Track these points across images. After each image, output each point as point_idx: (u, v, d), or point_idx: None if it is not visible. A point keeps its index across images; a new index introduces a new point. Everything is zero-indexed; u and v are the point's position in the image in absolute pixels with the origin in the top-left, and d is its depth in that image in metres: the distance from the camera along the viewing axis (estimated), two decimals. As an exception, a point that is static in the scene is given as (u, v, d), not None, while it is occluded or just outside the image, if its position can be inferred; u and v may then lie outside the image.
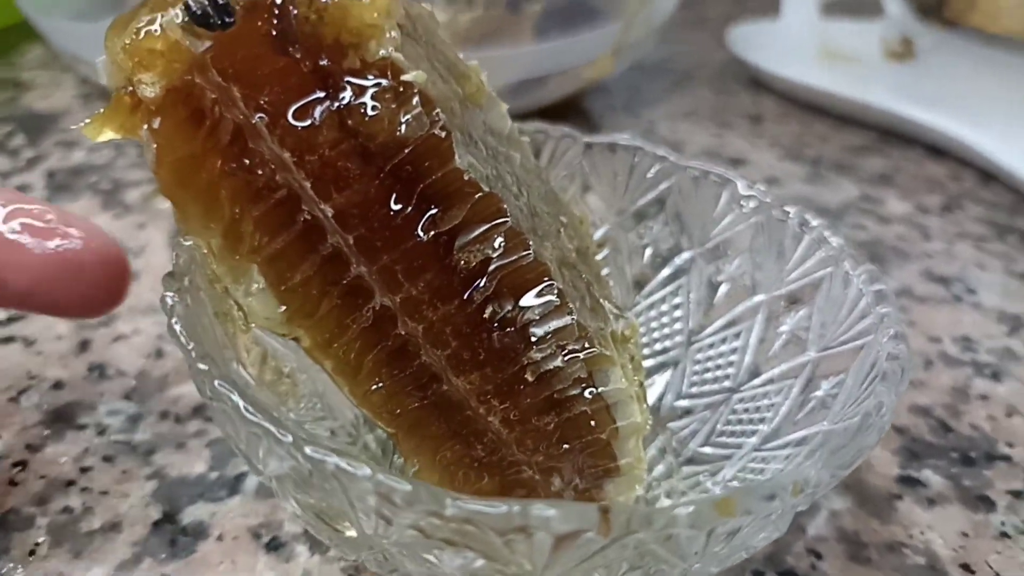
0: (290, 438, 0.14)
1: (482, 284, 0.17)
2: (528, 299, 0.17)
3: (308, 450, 0.14)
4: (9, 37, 0.52)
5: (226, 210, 0.17)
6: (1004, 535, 0.23)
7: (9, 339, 0.27)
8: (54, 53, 0.50)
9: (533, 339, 0.18)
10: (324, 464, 0.14)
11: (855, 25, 0.64)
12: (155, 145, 0.17)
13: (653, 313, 0.25)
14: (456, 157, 0.17)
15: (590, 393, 0.18)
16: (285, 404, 0.20)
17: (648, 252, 0.25)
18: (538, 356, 0.18)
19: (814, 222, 0.22)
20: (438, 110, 0.17)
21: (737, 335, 0.24)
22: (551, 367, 0.18)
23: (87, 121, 0.17)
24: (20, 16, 0.50)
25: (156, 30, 0.16)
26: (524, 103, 0.43)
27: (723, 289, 0.24)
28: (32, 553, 0.20)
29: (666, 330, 0.25)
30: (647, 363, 0.25)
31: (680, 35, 0.62)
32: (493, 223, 0.17)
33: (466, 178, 0.17)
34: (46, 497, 0.21)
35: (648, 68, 0.56)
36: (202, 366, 0.15)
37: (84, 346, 0.27)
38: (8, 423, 0.23)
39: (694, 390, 0.24)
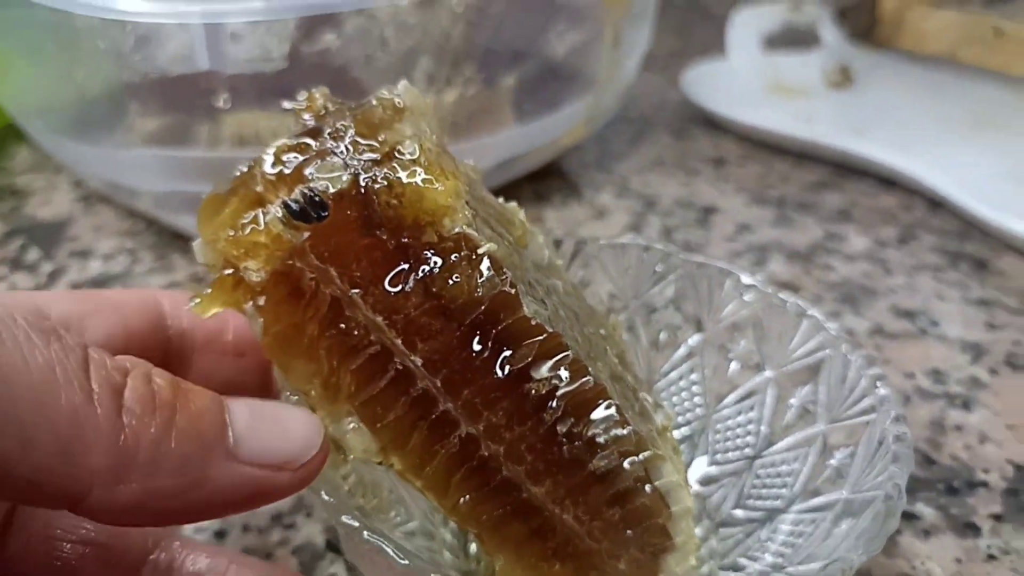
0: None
1: (552, 406, 0.20)
2: (593, 416, 0.20)
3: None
4: (-2, 141, 0.53)
5: (324, 365, 0.20)
6: (991, 557, 0.26)
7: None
8: (45, 155, 0.51)
9: (597, 449, 0.21)
10: None
11: (797, 57, 0.68)
12: (261, 319, 0.19)
13: (673, 389, 0.29)
14: (524, 307, 0.20)
15: (648, 488, 0.21)
16: (377, 517, 0.23)
17: (663, 336, 0.29)
18: (602, 464, 0.21)
19: (810, 310, 0.26)
20: (505, 269, 0.20)
21: (751, 407, 0.27)
22: (614, 469, 0.21)
23: (197, 301, 0.20)
24: (6, 119, 0.52)
25: (260, 226, 0.19)
26: (508, 175, 0.46)
27: (734, 366, 0.28)
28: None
29: (687, 404, 0.28)
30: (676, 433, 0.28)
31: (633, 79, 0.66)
32: (556, 358, 0.20)
33: (533, 323, 0.20)
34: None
35: (610, 119, 0.60)
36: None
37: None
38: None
39: (718, 457, 0.27)
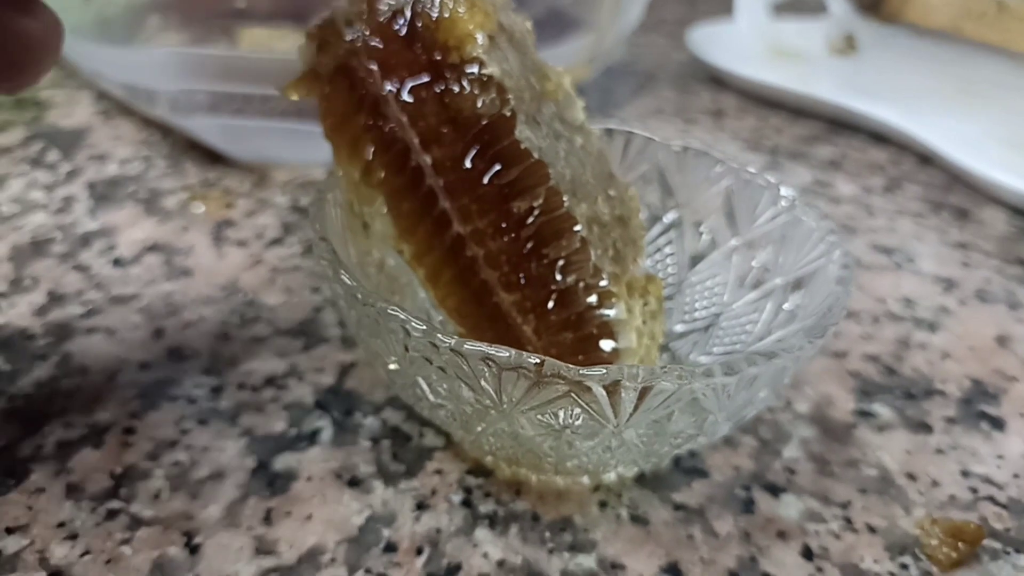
0: (359, 289, 0.20)
1: (528, 225, 0.23)
2: (559, 240, 0.23)
3: (369, 298, 0.20)
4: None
5: (365, 152, 0.24)
6: (940, 451, 0.28)
7: (92, 330, 0.31)
8: (67, 72, 0.53)
9: (559, 271, 0.23)
10: (376, 307, 0.20)
11: (801, 24, 0.70)
12: (323, 105, 0.24)
13: (650, 262, 0.31)
14: (517, 132, 0.22)
15: (597, 316, 0.23)
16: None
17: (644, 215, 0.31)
18: (563, 284, 0.23)
19: (772, 179, 0.28)
20: (509, 96, 0.22)
21: (717, 273, 0.29)
22: (571, 294, 0.23)
23: (285, 86, 0.24)
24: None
25: (331, 28, 0.23)
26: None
27: (705, 238, 0.30)
28: (156, 496, 0.24)
29: (661, 274, 0.30)
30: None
31: (640, 38, 0.68)
32: (538, 181, 0.23)
33: (522, 147, 0.22)
34: (156, 454, 0.25)
35: (616, 71, 0.61)
36: (319, 240, 0.22)
37: (159, 333, 0.31)
38: (110, 399, 0.27)
39: (686, 317, 0.30)
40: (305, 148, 0.42)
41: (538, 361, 0.18)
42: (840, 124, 0.55)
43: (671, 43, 0.70)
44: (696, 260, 0.30)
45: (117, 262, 0.35)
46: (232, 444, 0.26)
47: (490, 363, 0.18)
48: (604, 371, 0.18)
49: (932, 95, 0.58)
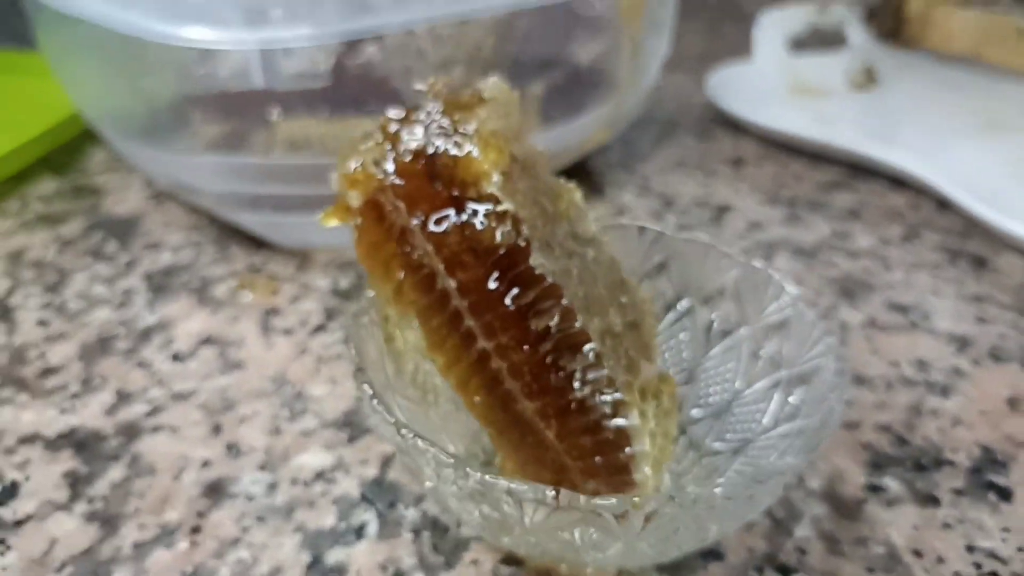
0: (392, 420, 0.23)
1: (546, 341, 0.25)
2: (575, 354, 0.25)
3: (401, 432, 0.22)
4: (76, 143, 0.59)
5: (395, 275, 0.26)
6: (947, 525, 0.30)
7: (158, 428, 0.34)
8: (118, 156, 0.57)
9: (577, 382, 0.25)
10: (407, 439, 0.22)
11: (821, 58, 0.71)
12: (356, 233, 0.27)
13: (664, 347, 0.33)
14: (531, 259, 0.24)
15: (612, 424, 0.25)
16: (430, 408, 0.29)
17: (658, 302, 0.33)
18: (580, 394, 0.25)
19: (775, 275, 0.30)
20: (524, 227, 0.24)
21: (730, 360, 0.31)
22: (589, 403, 0.25)
23: (323, 215, 0.27)
24: (83, 125, 0.58)
25: (359, 168, 0.26)
26: (537, 174, 0.50)
27: (717, 327, 0.32)
28: (223, 597, 0.27)
29: (675, 359, 0.33)
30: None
31: (663, 77, 0.69)
32: (553, 302, 0.25)
33: (537, 272, 0.25)
34: (222, 552, 0.28)
35: (637, 120, 0.63)
36: (358, 373, 0.25)
37: (217, 429, 0.34)
38: (177, 498, 0.30)
39: (701, 402, 0.32)
40: (342, 233, 0.45)
41: (554, 494, 0.20)
42: (860, 169, 0.56)
43: (693, 82, 0.72)
44: (710, 346, 0.32)
45: (176, 357, 0.38)
46: (288, 540, 0.29)
47: (512, 496, 0.21)
48: (613, 502, 0.20)
49: (950, 127, 0.59)
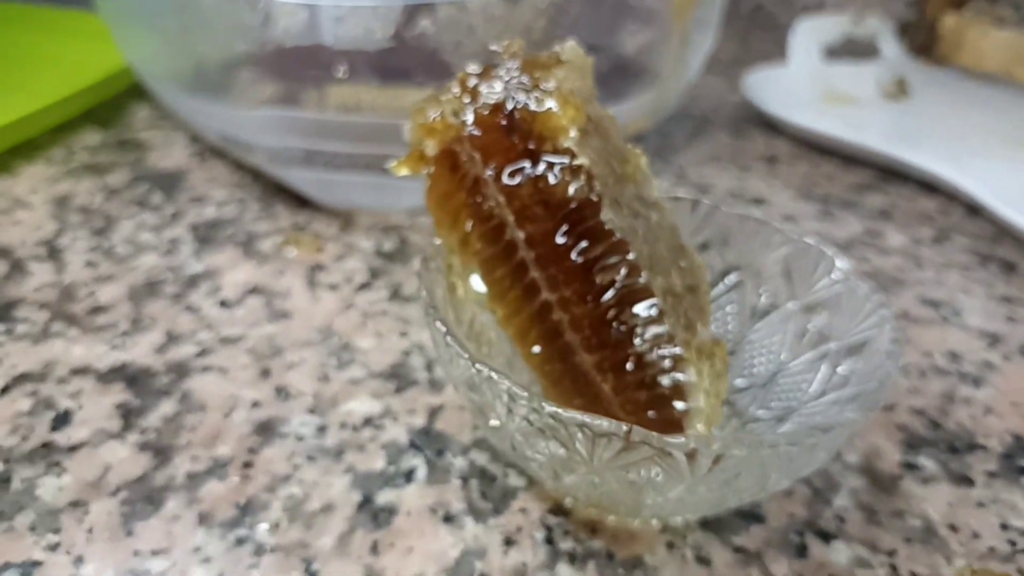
0: (467, 356, 0.23)
1: (609, 295, 0.26)
2: (637, 309, 0.26)
3: (476, 366, 0.23)
4: (122, 99, 0.59)
5: (463, 225, 0.27)
6: (980, 504, 0.30)
7: (207, 368, 0.34)
8: (162, 113, 0.58)
9: (637, 337, 0.26)
10: (482, 373, 0.23)
11: (854, 68, 0.72)
12: (428, 182, 0.27)
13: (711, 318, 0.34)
14: (602, 214, 0.25)
15: (670, 380, 0.26)
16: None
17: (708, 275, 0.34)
18: (640, 349, 0.26)
19: (828, 251, 0.30)
20: (596, 182, 0.25)
21: (777, 332, 0.32)
22: (647, 358, 0.26)
23: (394, 164, 0.28)
24: (131, 80, 0.58)
25: (438, 117, 0.26)
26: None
27: (764, 300, 0.32)
28: (276, 526, 0.27)
29: (723, 330, 0.33)
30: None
31: (698, 79, 0.70)
32: (620, 257, 0.26)
33: (606, 227, 0.25)
34: (274, 487, 0.29)
35: (673, 115, 0.64)
36: (431, 308, 0.25)
37: (266, 373, 0.34)
38: (228, 434, 0.31)
39: (745, 372, 0.33)
40: (386, 195, 0.45)
41: (627, 429, 0.21)
42: (891, 172, 0.57)
43: (726, 84, 0.73)
44: (756, 319, 0.33)
45: (223, 304, 0.38)
46: (338, 480, 0.29)
47: (586, 429, 0.21)
48: (685, 440, 0.21)
49: (983, 142, 0.60)
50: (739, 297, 0.33)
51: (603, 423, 0.21)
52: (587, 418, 0.21)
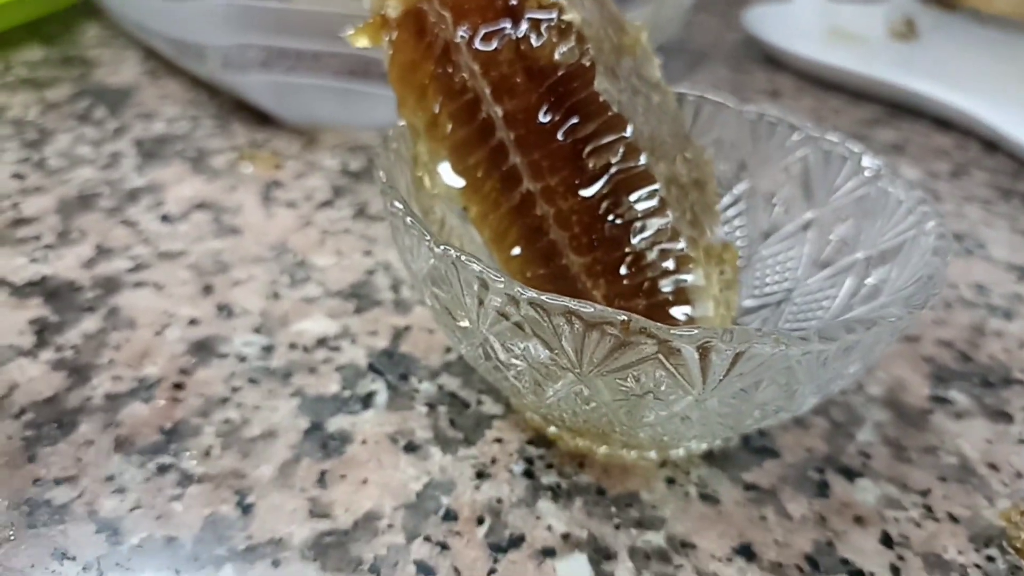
0: (429, 238, 0.19)
1: (603, 182, 0.21)
2: (635, 197, 0.22)
3: (440, 248, 0.18)
4: (69, 17, 0.54)
5: (431, 103, 0.23)
6: (1021, 441, 0.27)
7: (140, 284, 0.30)
8: (114, 32, 0.53)
9: (635, 232, 0.22)
10: (449, 255, 0.18)
11: (861, 7, 0.67)
12: (390, 51, 0.22)
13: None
14: (596, 83, 0.21)
15: (673, 283, 0.22)
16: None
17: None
18: (638, 247, 0.22)
19: (854, 148, 0.26)
20: (588, 46, 0.21)
21: (792, 246, 0.28)
22: (647, 258, 0.22)
23: (351, 32, 0.23)
24: (77, -3, 0.53)
25: None
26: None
27: (779, 210, 0.28)
28: (207, 454, 0.23)
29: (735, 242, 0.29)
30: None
31: (692, 17, 0.66)
32: (617, 136, 0.21)
33: (601, 99, 0.21)
34: (207, 411, 0.25)
35: (668, 49, 0.59)
36: (388, 187, 0.20)
37: (208, 290, 0.30)
38: (159, 352, 0.27)
39: (756, 292, 0.28)
40: (355, 110, 0.41)
41: (625, 318, 0.17)
42: (902, 108, 0.53)
43: (723, 23, 0.69)
44: (768, 233, 0.29)
45: (165, 218, 0.34)
46: (284, 404, 0.25)
47: (572, 319, 0.17)
48: (696, 331, 0.17)
49: (997, 81, 0.56)
50: (750, 208, 0.29)
51: (593, 309, 0.17)
52: (575, 304, 0.17)
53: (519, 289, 0.18)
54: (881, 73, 0.54)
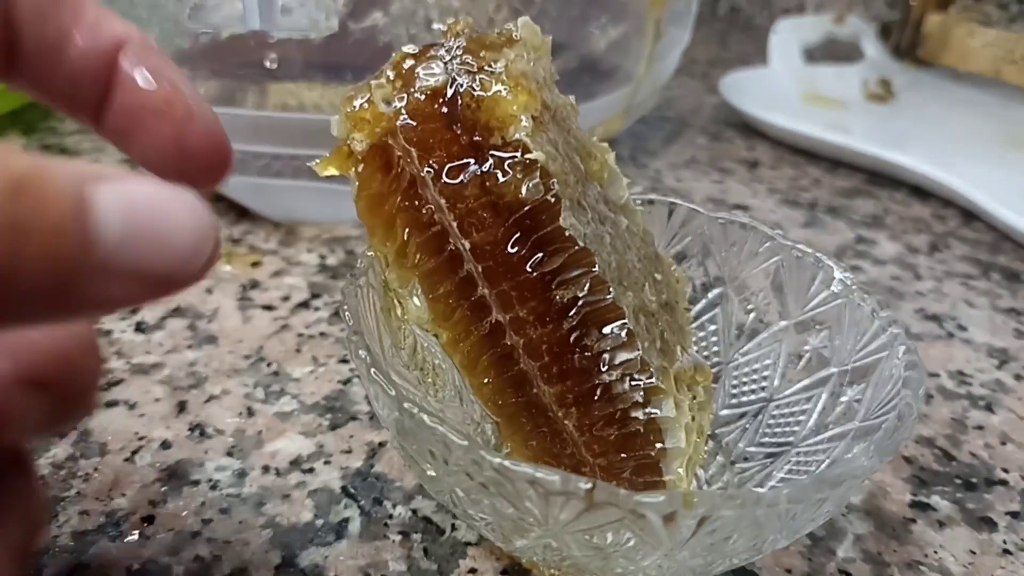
0: (394, 393, 0.19)
1: (571, 315, 0.21)
2: (604, 331, 0.21)
3: (405, 404, 0.18)
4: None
5: (399, 234, 0.22)
6: (1007, 551, 0.26)
7: (113, 403, 0.29)
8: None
9: (604, 364, 0.22)
10: (411, 414, 0.18)
11: (837, 69, 0.68)
12: (357, 183, 0.22)
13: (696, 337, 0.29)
14: (562, 219, 0.21)
15: (644, 415, 0.22)
16: (429, 392, 0.25)
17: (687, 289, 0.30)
18: (607, 378, 0.22)
19: (826, 260, 0.26)
20: (554, 180, 0.21)
21: (767, 356, 0.28)
22: (616, 389, 0.22)
23: (317, 162, 0.23)
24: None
25: (367, 106, 0.21)
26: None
27: (753, 318, 0.28)
28: (175, 598, 0.23)
29: (705, 353, 0.29)
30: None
31: (672, 80, 0.66)
32: (583, 270, 0.21)
33: (567, 234, 0.21)
34: (177, 548, 0.24)
35: (648, 117, 0.60)
36: (354, 337, 0.20)
37: (182, 407, 0.30)
38: (129, 482, 0.26)
39: (733, 401, 0.28)
40: (332, 206, 0.41)
41: (589, 487, 0.17)
42: (881, 176, 0.53)
43: (703, 86, 0.69)
44: (743, 340, 0.29)
45: (139, 327, 0.34)
46: (255, 537, 0.25)
47: (537, 487, 0.17)
48: (662, 499, 0.17)
49: (974, 144, 0.56)
50: (723, 315, 0.29)
51: (556, 479, 0.17)
52: (538, 472, 0.17)
53: (482, 454, 0.17)
54: (858, 141, 0.55)
